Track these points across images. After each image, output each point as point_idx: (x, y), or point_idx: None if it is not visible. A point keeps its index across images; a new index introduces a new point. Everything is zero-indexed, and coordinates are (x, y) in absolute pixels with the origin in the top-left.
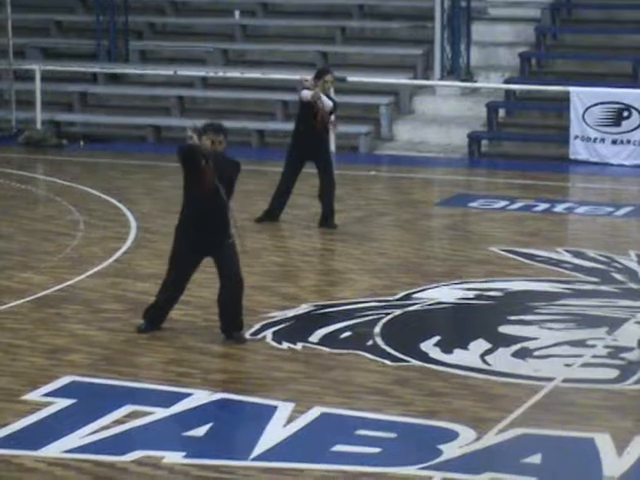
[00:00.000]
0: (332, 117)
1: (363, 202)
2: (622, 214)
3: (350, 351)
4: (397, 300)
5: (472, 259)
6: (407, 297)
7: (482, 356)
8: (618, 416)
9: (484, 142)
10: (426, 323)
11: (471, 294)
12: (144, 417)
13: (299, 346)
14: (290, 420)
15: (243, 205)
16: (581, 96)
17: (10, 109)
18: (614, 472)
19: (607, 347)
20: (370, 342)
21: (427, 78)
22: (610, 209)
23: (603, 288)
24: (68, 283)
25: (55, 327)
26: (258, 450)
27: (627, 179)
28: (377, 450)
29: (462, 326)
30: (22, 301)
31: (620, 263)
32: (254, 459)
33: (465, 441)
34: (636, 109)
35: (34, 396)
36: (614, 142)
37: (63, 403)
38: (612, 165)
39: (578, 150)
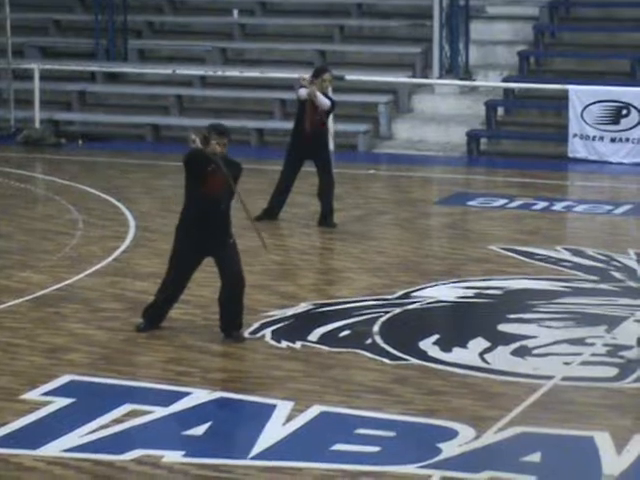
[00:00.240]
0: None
1: (362, 201)
2: (621, 212)
3: (349, 350)
4: (396, 299)
5: (471, 258)
6: (406, 296)
7: (481, 354)
8: (617, 414)
9: (483, 140)
10: (425, 322)
11: (470, 292)
12: (143, 416)
13: (298, 345)
14: (289, 419)
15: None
16: (580, 94)
17: (9, 108)
18: (613, 470)
19: (606, 345)
20: (369, 341)
21: (426, 77)
22: (609, 207)
23: (602, 286)
24: (67, 282)
25: (54, 326)
26: (257, 449)
27: (626, 177)
28: (376, 449)
29: (461, 325)
30: (21, 300)
31: (619, 261)
32: (253, 458)
33: (464, 440)
34: (635, 107)
35: (33, 395)
36: (613, 140)
37: (62, 402)
38: (611, 163)
39: (577, 148)
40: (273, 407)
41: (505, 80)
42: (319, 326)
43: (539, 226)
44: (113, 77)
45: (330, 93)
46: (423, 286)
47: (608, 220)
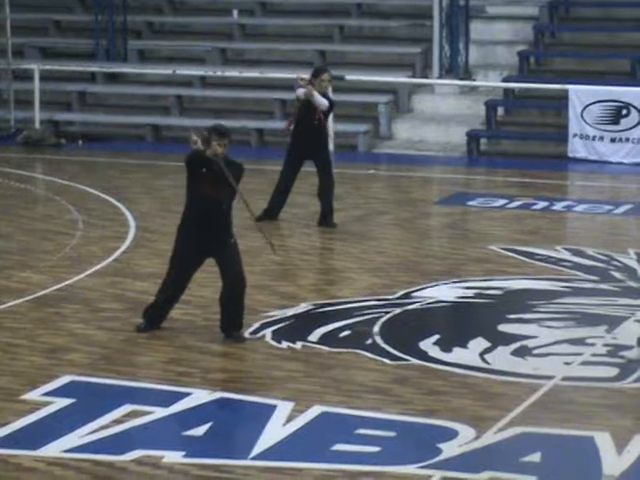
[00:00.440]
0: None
1: (362, 201)
2: (621, 212)
3: (349, 350)
4: (396, 299)
5: (471, 258)
6: (406, 296)
7: (481, 355)
8: (618, 414)
9: (483, 140)
10: (425, 322)
11: (470, 293)
12: (143, 416)
13: (298, 345)
14: (289, 419)
15: (241, 204)
16: (580, 94)
17: (9, 108)
18: (614, 471)
19: (606, 345)
20: (369, 341)
21: (426, 77)
22: (609, 207)
23: (602, 286)
24: (67, 282)
25: (54, 326)
26: (257, 449)
27: (626, 177)
28: (376, 449)
29: (461, 325)
30: (21, 300)
31: (619, 261)
32: (253, 458)
33: (464, 440)
34: (635, 107)
35: (33, 395)
36: (613, 140)
37: (62, 402)
38: (611, 163)
39: (577, 148)
40: (273, 407)
41: (505, 80)
42: (319, 326)
43: (539, 226)
44: (113, 77)
45: (330, 93)
46: (423, 286)
47: (608, 220)
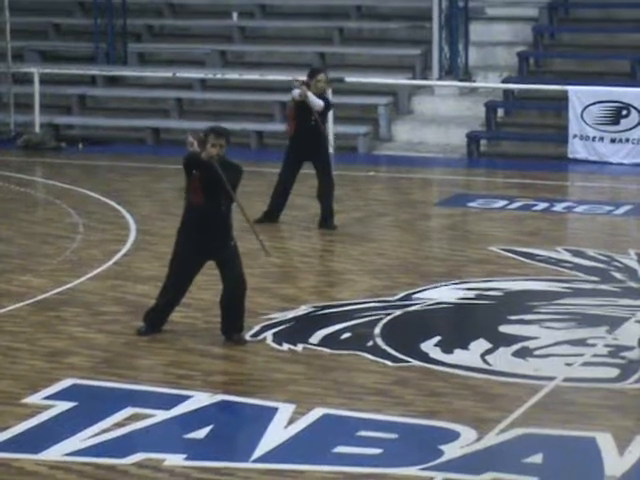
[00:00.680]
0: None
1: (362, 203)
2: (621, 213)
3: (350, 352)
4: (397, 300)
5: (472, 259)
6: (407, 297)
7: (482, 356)
8: (619, 415)
9: (483, 142)
10: (426, 323)
11: (471, 294)
12: (145, 419)
13: (299, 347)
14: (291, 421)
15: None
16: (579, 95)
17: (9, 112)
18: (615, 471)
19: (607, 346)
20: (370, 343)
21: (425, 78)
22: (609, 208)
23: (603, 287)
24: (68, 286)
25: (55, 330)
26: (259, 452)
27: (626, 177)
28: (378, 451)
29: (462, 326)
30: (21, 304)
31: (620, 262)
32: (255, 461)
33: (466, 441)
34: (635, 107)
35: (34, 399)
36: (613, 141)
37: (63, 406)
38: (611, 164)
39: (577, 149)
40: (275, 410)
41: (505, 81)
42: (320, 328)
43: (539, 227)
44: (113, 81)
45: (330, 95)
46: (424, 288)
47: (608, 221)
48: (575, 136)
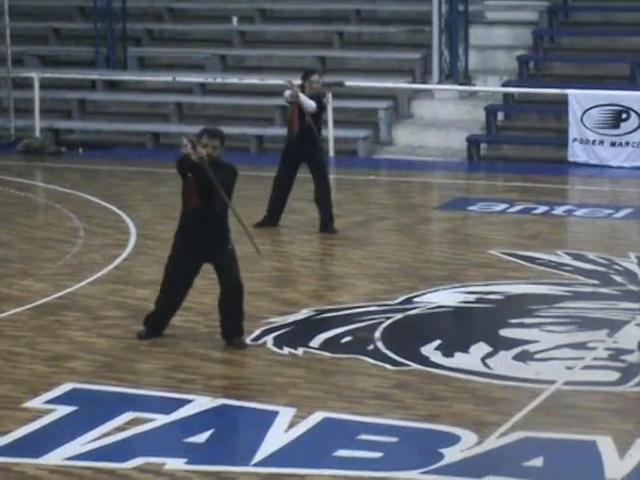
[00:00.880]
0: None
1: (362, 206)
2: (621, 216)
3: (351, 356)
4: (397, 304)
5: (472, 262)
6: (407, 301)
7: (483, 359)
8: (619, 418)
9: (483, 145)
10: (427, 327)
11: (471, 297)
12: (145, 424)
13: (300, 351)
14: (291, 425)
15: (241, 210)
16: (579, 99)
17: (9, 117)
18: (616, 475)
19: (608, 349)
20: (371, 346)
21: (425, 82)
22: (609, 211)
23: (603, 290)
24: (68, 290)
25: (55, 334)
26: (259, 456)
27: (626, 181)
28: (379, 455)
29: (463, 330)
30: (22, 308)
31: (620, 265)
32: (256, 465)
33: (466, 445)
34: (634, 111)
35: (35, 403)
36: (613, 144)
37: (64, 410)
38: (611, 167)
39: (577, 152)
40: (275, 414)
41: (505, 85)
42: (321, 332)
43: (539, 230)
44: (113, 85)
45: (330, 99)
46: (424, 291)
47: (609, 224)
48: (575, 139)
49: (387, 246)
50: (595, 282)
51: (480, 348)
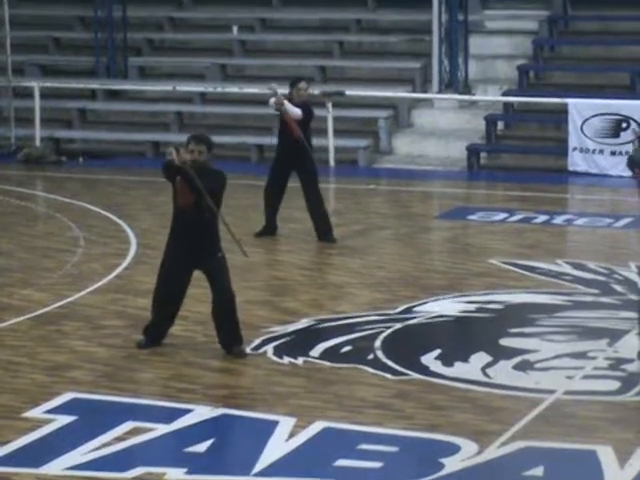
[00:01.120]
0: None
1: (362, 216)
2: (621, 225)
3: (351, 365)
4: (397, 314)
5: (472, 272)
6: (407, 310)
7: (483, 369)
8: (620, 428)
9: (483, 155)
10: (427, 336)
11: (472, 307)
12: (145, 433)
13: (300, 361)
14: (292, 435)
15: (242, 220)
16: (579, 108)
17: (9, 126)
18: None
19: (608, 359)
20: (371, 356)
21: (425, 91)
22: (610, 220)
23: (603, 300)
24: (68, 300)
25: (55, 344)
26: (260, 465)
27: (626, 190)
28: (379, 464)
29: (463, 339)
30: (22, 318)
31: (620, 274)
32: (256, 474)
33: (467, 454)
34: (634, 120)
35: (35, 413)
36: (613, 153)
37: (64, 420)
38: (611, 176)
39: (577, 162)
40: (275, 423)
41: (504, 94)
42: (321, 342)
43: (540, 240)
44: (113, 94)
45: (330, 108)
46: (424, 301)
47: (609, 233)
48: (575, 149)
49: (387, 255)
50: (595, 291)
51: (480, 357)
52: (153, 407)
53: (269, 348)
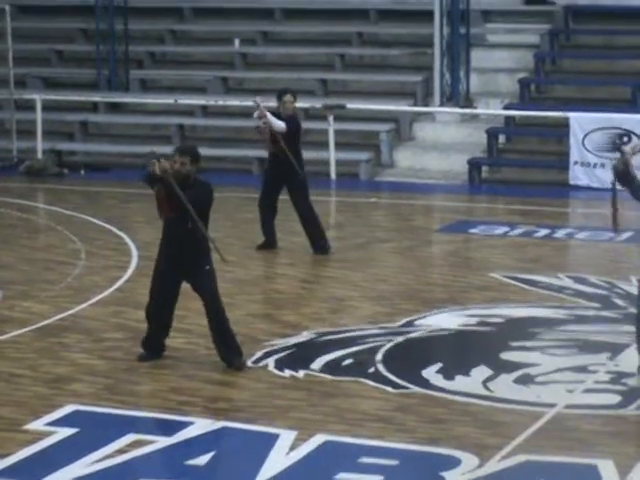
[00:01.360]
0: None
1: (363, 229)
2: (623, 239)
3: (352, 378)
4: (399, 327)
5: (473, 285)
6: (408, 324)
7: (484, 382)
8: (620, 442)
9: (484, 168)
10: (428, 350)
11: (473, 320)
12: (146, 446)
13: (301, 374)
14: (292, 448)
15: (243, 232)
16: (581, 121)
17: (11, 139)
18: None
19: (609, 373)
20: (372, 369)
21: (427, 105)
22: (611, 234)
23: (605, 314)
24: (70, 312)
25: (57, 356)
26: (260, 479)
27: (627, 204)
28: (380, 478)
29: (464, 353)
30: (24, 330)
31: (621, 288)
32: None
33: (468, 468)
34: (636, 134)
35: (36, 425)
36: None
37: (65, 432)
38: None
39: (578, 175)
40: (276, 436)
41: (506, 108)
42: (322, 355)
43: (541, 254)
44: (115, 107)
45: (331, 121)
46: (425, 314)
47: (610, 247)
48: (576, 163)
49: (388, 268)
50: (596, 305)
51: (481, 371)
52: (154, 420)
53: (270, 361)
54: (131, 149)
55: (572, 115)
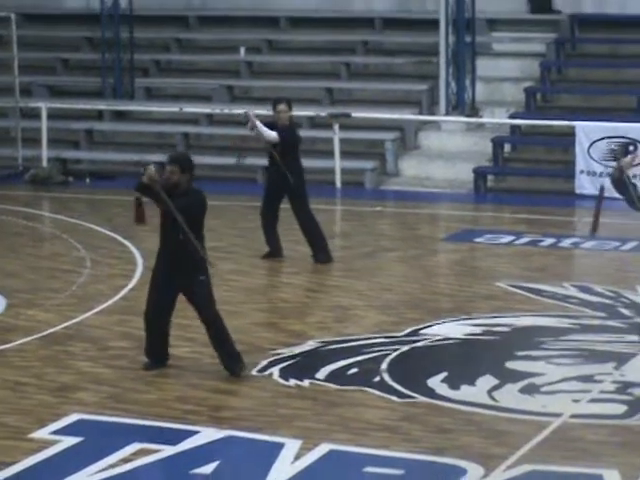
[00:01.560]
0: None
1: (369, 238)
2: (629, 248)
3: (357, 387)
4: (404, 336)
5: (479, 295)
6: (414, 333)
7: (489, 392)
8: (626, 452)
9: (490, 177)
10: (433, 359)
11: (478, 330)
12: (151, 455)
13: (306, 383)
14: (297, 457)
15: (248, 241)
16: (586, 130)
17: (16, 147)
18: None
19: (615, 382)
20: (377, 378)
21: (432, 113)
22: (617, 244)
23: (610, 323)
24: (75, 320)
25: (62, 365)
26: None
27: (634, 213)
28: None
29: (469, 362)
30: (29, 339)
31: (627, 298)
32: None
33: (473, 478)
34: None
35: (41, 434)
36: None
37: (70, 441)
38: (618, 199)
39: (584, 184)
40: (281, 445)
41: (512, 116)
42: (327, 364)
43: (546, 263)
44: (120, 115)
45: (337, 130)
46: (431, 323)
47: (616, 256)
48: (582, 171)
49: (394, 277)
50: (602, 315)
51: (486, 380)
52: (159, 429)
53: (275, 370)
54: (136, 157)
55: (578, 124)
